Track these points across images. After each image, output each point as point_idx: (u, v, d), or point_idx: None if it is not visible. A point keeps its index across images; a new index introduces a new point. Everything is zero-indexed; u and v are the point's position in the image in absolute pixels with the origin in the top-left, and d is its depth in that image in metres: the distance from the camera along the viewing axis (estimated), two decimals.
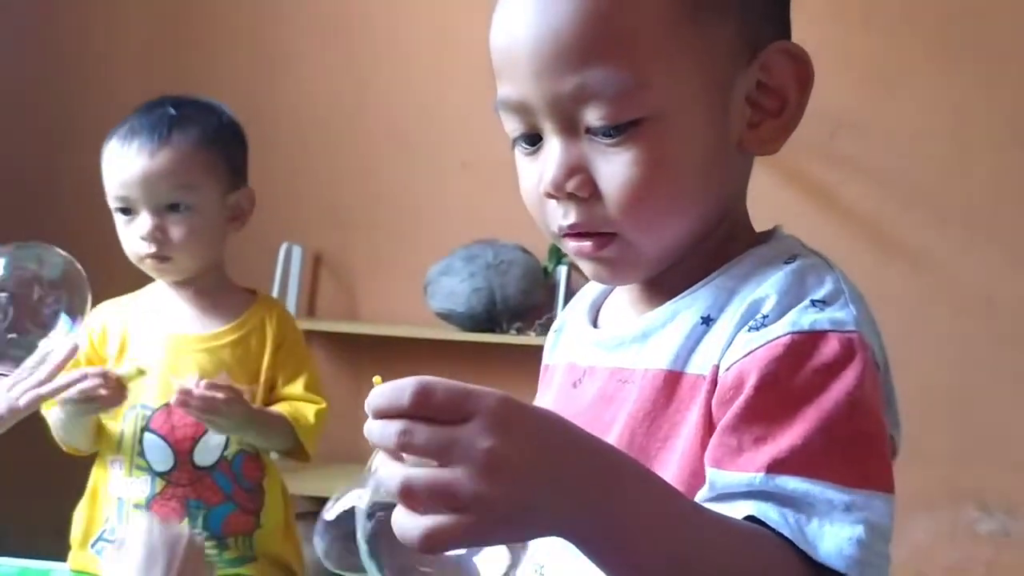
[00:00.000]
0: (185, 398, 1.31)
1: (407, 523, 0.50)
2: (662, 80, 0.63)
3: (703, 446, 0.63)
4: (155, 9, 2.82)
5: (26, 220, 2.66)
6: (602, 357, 0.71)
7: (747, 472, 0.58)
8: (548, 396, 0.76)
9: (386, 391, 0.52)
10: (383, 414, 0.51)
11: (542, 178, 0.66)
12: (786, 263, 0.66)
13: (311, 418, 1.46)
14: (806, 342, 0.61)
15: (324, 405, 1.49)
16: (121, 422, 1.43)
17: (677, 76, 0.64)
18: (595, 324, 0.76)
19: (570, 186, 0.65)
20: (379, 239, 2.76)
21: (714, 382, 0.63)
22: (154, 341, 1.45)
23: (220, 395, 1.32)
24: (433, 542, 0.49)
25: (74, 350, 1.29)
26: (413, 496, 0.50)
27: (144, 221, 1.39)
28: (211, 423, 1.36)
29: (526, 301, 2.55)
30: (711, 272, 0.68)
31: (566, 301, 2.66)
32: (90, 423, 1.40)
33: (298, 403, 1.47)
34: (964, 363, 2.53)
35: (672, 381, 0.65)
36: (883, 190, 2.62)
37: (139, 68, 2.76)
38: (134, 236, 1.40)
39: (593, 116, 0.64)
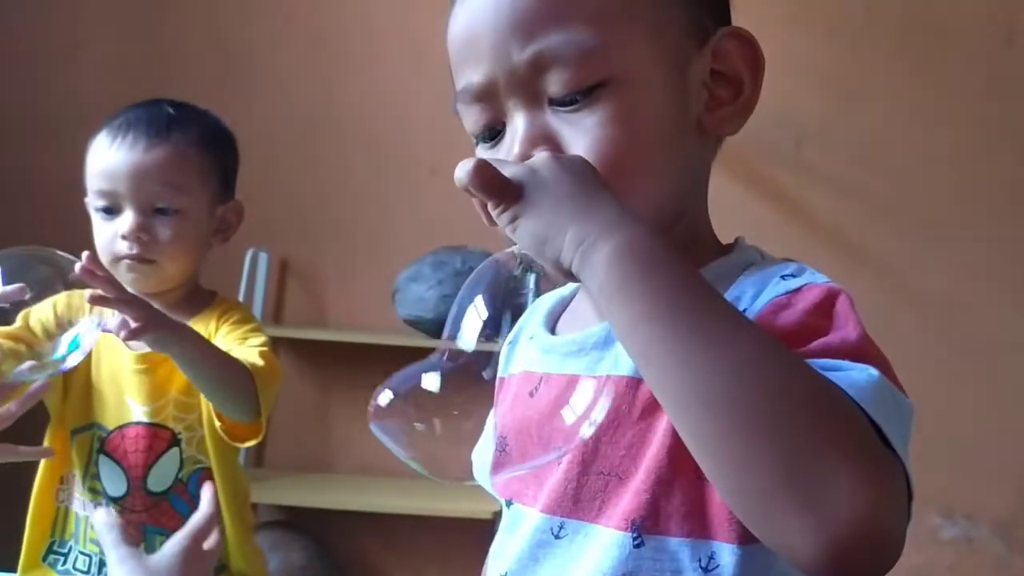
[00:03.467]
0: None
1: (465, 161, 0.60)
2: (620, 45, 0.64)
3: (670, 453, 0.62)
4: (123, 13, 2.78)
5: None
6: (559, 363, 0.69)
7: None
8: (504, 407, 0.74)
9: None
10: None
11: (507, 156, 0.65)
12: (744, 271, 0.66)
13: (256, 358, 1.30)
14: (784, 301, 0.60)
15: (266, 348, 1.32)
16: (74, 439, 1.35)
17: (634, 43, 0.65)
18: (553, 332, 0.74)
19: (537, 152, 0.64)
20: (347, 245, 2.74)
21: None
22: (108, 355, 1.35)
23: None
24: (479, 167, 0.59)
25: None
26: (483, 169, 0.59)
27: (127, 219, 1.30)
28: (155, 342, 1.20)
29: (494, 310, 2.53)
30: None
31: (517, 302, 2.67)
32: None
33: (236, 348, 1.31)
34: (927, 371, 2.55)
35: (634, 387, 0.64)
36: (848, 199, 2.65)
37: (106, 72, 2.72)
38: (114, 235, 1.31)
39: (555, 82, 0.64)
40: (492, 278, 0.63)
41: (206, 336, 1.33)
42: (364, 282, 2.71)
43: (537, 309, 0.77)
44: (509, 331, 0.71)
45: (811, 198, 2.64)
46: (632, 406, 0.64)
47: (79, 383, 1.36)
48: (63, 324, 1.29)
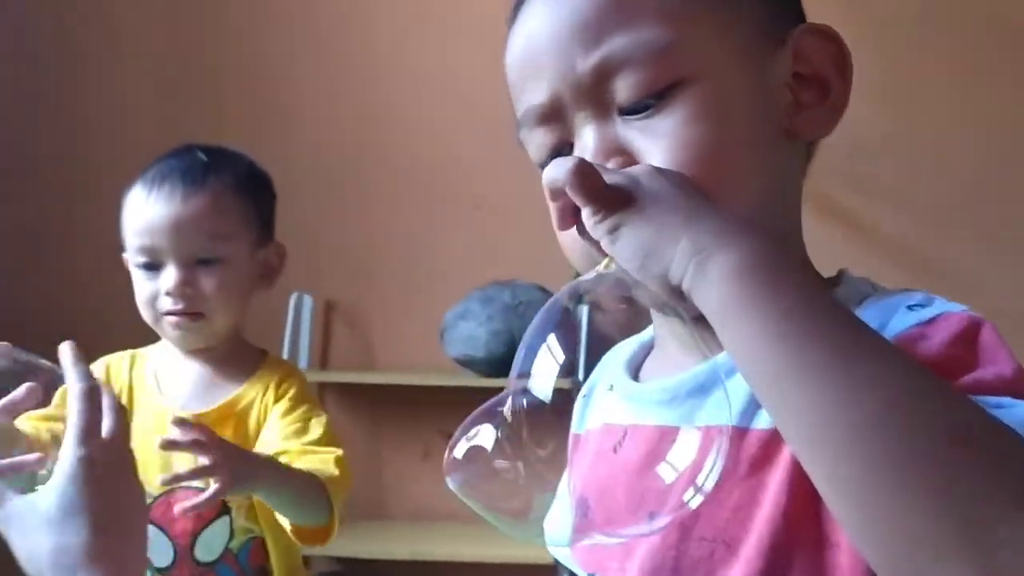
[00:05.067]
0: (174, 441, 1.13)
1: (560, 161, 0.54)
2: (692, 43, 0.58)
3: (786, 516, 0.54)
4: (162, 59, 2.78)
5: (35, 275, 2.62)
6: (648, 414, 0.62)
7: None
8: (582, 466, 0.67)
9: None
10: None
11: None
12: (859, 303, 0.59)
13: (333, 467, 1.26)
14: (917, 334, 0.53)
15: (340, 451, 1.31)
16: None
17: (706, 41, 0.59)
18: (636, 380, 0.67)
19: (612, 166, 0.58)
20: (392, 285, 2.69)
21: None
22: (151, 416, 1.31)
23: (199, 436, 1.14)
24: (581, 168, 0.53)
25: None
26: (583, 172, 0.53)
27: (171, 274, 1.27)
28: (233, 487, 1.16)
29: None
30: None
31: (588, 342, 2.62)
32: None
33: (309, 453, 1.29)
34: None
35: (738, 439, 0.57)
36: (909, 211, 2.55)
37: (146, 120, 2.70)
38: (156, 292, 1.28)
39: (624, 88, 0.58)
40: (561, 318, 0.56)
41: (261, 407, 1.31)
42: (412, 322, 2.66)
43: (613, 358, 0.71)
44: (582, 374, 0.64)
45: (867, 210, 2.53)
46: (738, 460, 0.57)
47: None
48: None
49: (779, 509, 0.54)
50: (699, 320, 0.56)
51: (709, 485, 0.51)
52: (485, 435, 0.55)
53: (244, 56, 2.75)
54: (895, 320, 0.55)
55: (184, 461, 1.28)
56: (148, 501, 1.29)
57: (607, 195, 0.53)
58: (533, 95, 0.61)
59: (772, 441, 0.56)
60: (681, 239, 0.51)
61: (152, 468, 1.29)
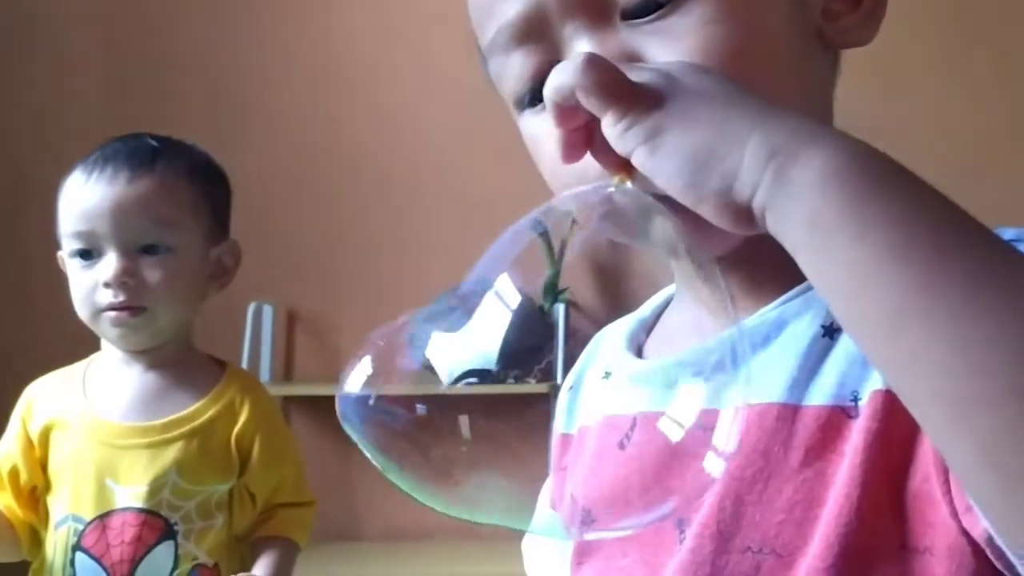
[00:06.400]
0: None
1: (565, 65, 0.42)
2: None
3: (861, 514, 0.43)
4: (115, 55, 2.66)
5: None
6: (663, 396, 0.50)
7: None
8: (581, 471, 0.55)
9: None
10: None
11: None
12: None
13: (305, 527, 1.32)
14: None
15: (313, 501, 1.32)
16: (52, 536, 1.20)
17: None
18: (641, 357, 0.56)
19: None
20: (357, 290, 2.56)
21: (883, 412, 0.44)
22: (83, 433, 1.20)
23: None
24: (593, 61, 0.41)
25: None
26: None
27: (110, 262, 1.16)
28: None
29: (522, 345, 2.35)
30: None
31: (565, 342, 2.50)
32: None
33: (287, 519, 1.28)
34: None
35: (788, 419, 0.46)
36: None
37: (98, 115, 2.56)
38: (94, 284, 1.16)
39: None
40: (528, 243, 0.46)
41: (227, 431, 1.23)
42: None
43: (606, 340, 0.61)
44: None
45: None
46: (788, 447, 0.46)
47: (32, 478, 1.22)
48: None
49: (851, 504, 0.44)
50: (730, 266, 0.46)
51: (731, 446, 0.40)
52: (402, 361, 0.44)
53: (199, 48, 2.62)
54: None
55: (124, 474, 1.18)
56: (80, 527, 1.18)
57: (636, 92, 0.41)
58: (507, 9, 0.49)
59: (833, 419, 0.46)
60: (749, 140, 0.39)
61: (85, 490, 1.19)
